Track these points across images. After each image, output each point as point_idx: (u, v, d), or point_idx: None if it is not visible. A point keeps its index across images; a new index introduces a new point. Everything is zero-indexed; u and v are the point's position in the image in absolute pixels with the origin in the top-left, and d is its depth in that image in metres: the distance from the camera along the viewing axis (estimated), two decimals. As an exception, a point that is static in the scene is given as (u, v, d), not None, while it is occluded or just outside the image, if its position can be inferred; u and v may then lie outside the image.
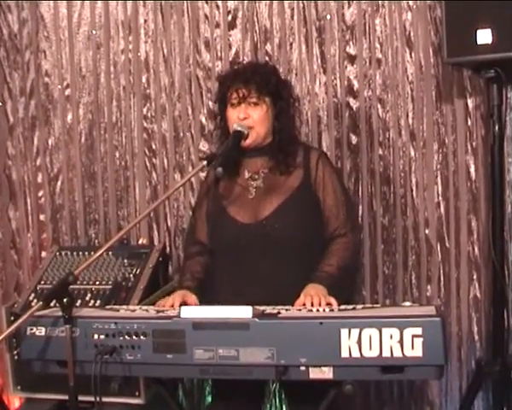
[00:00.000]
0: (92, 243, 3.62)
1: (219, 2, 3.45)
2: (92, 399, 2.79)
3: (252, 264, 2.68)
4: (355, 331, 2.18)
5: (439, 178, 3.30)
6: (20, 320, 2.37)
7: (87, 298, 3.12)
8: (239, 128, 2.71)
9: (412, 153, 3.32)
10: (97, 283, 3.20)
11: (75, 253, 3.40)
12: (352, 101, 3.37)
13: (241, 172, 2.80)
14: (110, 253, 3.31)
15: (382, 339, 2.16)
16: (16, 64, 3.65)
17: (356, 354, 2.17)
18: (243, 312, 2.26)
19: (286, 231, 2.69)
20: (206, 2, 3.46)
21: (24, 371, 3.12)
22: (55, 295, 2.34)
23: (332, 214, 2.76)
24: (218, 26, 3.47)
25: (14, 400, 3.48)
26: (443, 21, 2.84)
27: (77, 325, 2.34)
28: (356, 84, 3.35)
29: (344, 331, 2.18)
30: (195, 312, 2.34)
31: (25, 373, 3.13)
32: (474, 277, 3.26)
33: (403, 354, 2.14)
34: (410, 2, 3.25)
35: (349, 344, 2.18)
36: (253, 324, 2.23)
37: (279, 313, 2.33)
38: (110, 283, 3.20)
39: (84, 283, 3.20)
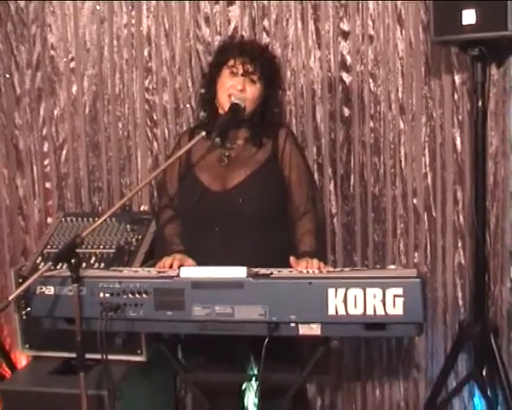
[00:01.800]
0: (96, 209, 3.75)
1: (219, -21, 3.55)
2: (97, 356, 3.02)
3: (219, 230, 2.83)
4: (341, 291, 2.35)
5: (426, 150, 3.42)
6: (31, 279, 2.54)
7: (91, 261, 3.27)
8: (237, 101, 2.86)
9: (402, 125, 3.44)
10: (101, 247, 3.35)
11: (80, 219, 3.54)
12: (344, 75, 3.48)
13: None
14: (113, 219, 3.45)
15: (366, 298, 2.33)
16: (23, 38, 3.73)
17: (342, 311, 2.35)
18: (238, 272, 2.43)
19: (250, 201, 2.84)
20: (206, -22, 3.56)
21: (32, 330, 3.26)
22: (63, 257, 2.50)
23: (296, 191, 2.94)
24: (217, 1, 3.55)
25: (22, 358, 3.66)
26: (430, 2, 2.97)
27: (84, 284, 2.51)
28: (349, 60, 3.47)
29: (331, 291, 2.35)
30: (194, 272, 2.52)
31: (33, 332, 3.27)
32: (459, 244, 3.41)
33: (385, 312, 2.31)
34: (401, -19, 3.36)
35: (335, 303, 2.35)
36: (247, 283, 2.41)
37: (272, 273, 2.49)
38: (113, 247, 3.34)
39: (89, 247, 3.34)
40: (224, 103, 2.90)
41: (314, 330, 2.41)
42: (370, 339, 3.54)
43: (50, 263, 2.51)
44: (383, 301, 2.31)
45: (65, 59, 3.73)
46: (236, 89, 2.86)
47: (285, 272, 2.56)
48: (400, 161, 3.47)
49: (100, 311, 2.48)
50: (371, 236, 3.56)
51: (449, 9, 2.90)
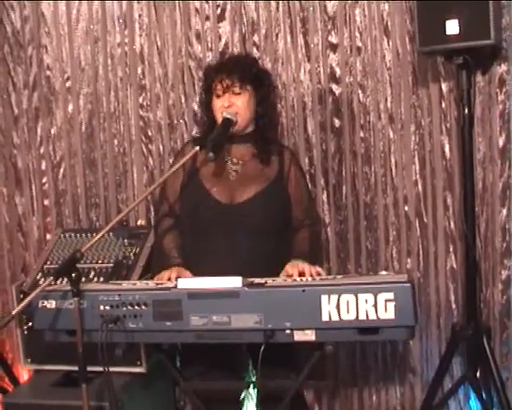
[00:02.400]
0: (94, 225, 3.82)
1: (209, -3, 3.64)
2: (97, 368, 3.09)
3: (227, 240, 2.92)
4: (334, 297, 2.42)
5: (416, 158, 3.50)
6: (33, 294, 2.60)
7: (91, 276, 3.33)
8: (228, 116, 2.95)
9: (391, 135, 3.52)
10: (100, 261, 3.41)
11: (78, 235, 3.60)
12: (334, 87, 3.56)
13: (224, 156, 3.02)
14: (111, 234, 3.52)
15: (358, 303, 2.40)
16: (20, 59, 3.82)
17: (335, 317, 2.41)
18: (234, 282, 2.50)
19: (261, 215, 2.95)
20: (197, -3, 3.66)
21: (33, 344, 3.31)
22: (64, 271, 2.57)
23: (298, 207, 3.09)
24: (208, 18, 3.64)
25: (24, 372, 3.72)
26: (415, 13, 3.05)
27: (84, 297, 2.58)
28: (338, 71, 3.55)
29: (324, 297, 2.42)
30: (191, 283, 2.58)
31: (34, 346, 3.33)
32: (451, 249, 3.47)
33: (377, 316, 2.38)
34: (387, -7, 3.45)
35: (329, 309, 2.42)
36: (242, 292, 2.48)
37: (266, 282, 2.56)
38: (112, 261, 3.40)
39: (88, 262, 3.40)
40: None
41: (309, 336, 2.48)
42: (366, 345, 3.62)
43: (51, 278, 2.58)
44: (375, 306, 2.38)
45: (61, 78, 3.81)
46: (224, 107, 2.96)
47: (279, 280, 2.63)
48: (391, 170, 3.55)
49: (100, 323, 2.55)
50: (364, 243, 3.63)
51: (433, 20, 2.99)
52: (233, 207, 2.96)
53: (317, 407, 3.79)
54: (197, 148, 2.87)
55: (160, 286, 2.67)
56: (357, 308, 2.40)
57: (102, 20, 3.73)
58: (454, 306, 3.50)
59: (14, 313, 2.58)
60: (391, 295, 2.37)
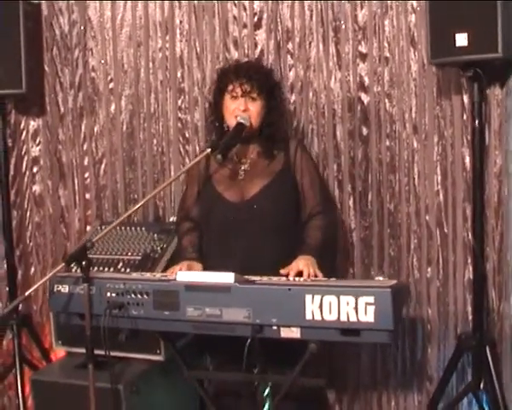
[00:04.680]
0: (132, 219, 3.98)
1: (246, 5, 3.76)
2: (119, 354, 3.29)
3: (238, 238, 3.07)
4: (317, 297, 2.52)
5: (438, 169, 3.52)
6: (45, 278, 2.85)
7: (119, 266, 3.55)
8: (242, 121, 3.11)
9: (415, 144, 3.56)
10: (129, 253, 3.61)
11: (117, 228, 3.74)
12: (363, 95, 3.64)
13: (232, 157, 3.19)
14: (143, 228, 3.75)
15: (340, 305, 2.49)
16: (67, 61, 4.04)
17: (318, 317, 2.52)
18: (227, 277, 2.65)
19: (269, 209, 3.10)
20: (235, 5, 3.78)
21: (64, 326, 3.49)
22: (75, 259, 2.76)
23: (309, 195, 3.18)
24: (245, 26, 3.78)
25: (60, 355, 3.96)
26: (427, 27, 3.11)
27: (93, 284, 2.78)
28: (367, 81, 3.63)
29: (308, 297, 2.53)
30: (188, 276, 2.75)
31: (64, 329, 3.54)
32: (469, 260, 3.45)
33: (357, 318, 2.47)
34: (414, 4, 3.47)
35: (312, 308, 2.52)
36: (233, 287, 2.62)
37: (256, 279, 2.70)
38: (140, 254, 3.59)
39: (118, 253, 3.62)
40: (232, 125, 3.14)
41: (294, 333, 2.59)
42: (386, 350, 3.68)
43: (63, 264, 2.80)
44: (356, 309, 2.47)
45: (104, 80, 4.01)
46: (240, 110, 3.10)
47: (271, 279, 2.75)
48: (414, 179, 3.59)
49: (104, 308, 2.76)
50: (387, 250, 3.68)
51: (444, 32, 3.03)
52: (243, 205, 3.12)
53: (337, 409, 3.88)
54: (208, 150, 3.02)
55: (161, 277, 2.85)
56: (338, 309, 2.49)
57: (145, 25, 3.92)
58: (471, 317, 3.48)
59: (26, 294, 2.82)
60: (371, 299, 2.46)
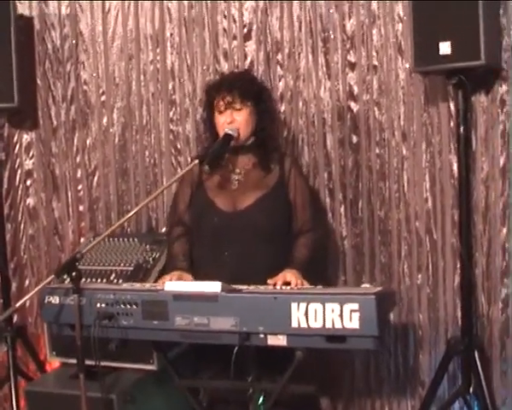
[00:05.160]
0: (125, 230, 4.04)
1: (236, 17, 3.80)
2: (112, 364, 3.32)
3: (230, 247, 3.10)
4: (303, 305, 2.55)
5: (427, 175, 3.55)
6: (36, 290, 2.90)
7: (111, 277, 3.56)
8: (230, 132, 3.14)
9: (404, 152, 3.59)
10: (122, 264, 3.63)
11: (110, 239, 3.79)
12: (352, 104, 3.67)
13: (227, 167, 3.22)
14: (136, 239, 3.77)
15: (325, 312, 2.52)
16: (59, 74, 4.10)
17: (304, 324, 2.54)
18: (214, 286, 2.67)
19: (262, 220, 3.12)
20: (225, 17, 3.82)
21: (58, 337, 3.47)
22: (65, 270, 2.79)
23: (300, 213, 3.22)
24: (235, 38, 3.83)
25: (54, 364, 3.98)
26: (411, 36, 3.15)
27: (83, 294, 2.80)
28: (356, 89, 3.66)
29: (294, 305, 2.55)
30: (176, 286, 2.77)
31: (58, 340, 3.54)
32: (458, 266, 3.46)
33: (342, 325, 2.49)
34: (401, 13, 3.50)
35: (298, 316, 2.55)
36: (221, 296, 2.64)
37: (243, 288, 2.73)
38: (132, 265, 3.61)
39: (111, 264, 3.64)
40: None
41: (281, 341, 2.61)
42: (379, 356, 3.71)
43: (53, 276, 2.83)
44: (341, 316, 2.49)
45: (96, 93, 4.06)
46: (227, 123, 3.14)
47: (258, 287, 2.77)
48: (403, 186, 3.61)
49: (93, 319, 2.79)
50: (378, 257, 3.70)
51: (427, 41, 3.07)
52: (235, 215, 3.15)
53: (332, 415, 3.90)
54: (196, 161, 3.06)
55: (149, 288, 2.88)
56: (324, 317, 2.52)
57: (136, 38, 3.97)
58: (460, 322, 3.51)
59: (17, 305, 2.86)
60: (356, 306, 2.48)
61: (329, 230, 3.70)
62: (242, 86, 3.17)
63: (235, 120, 3.14)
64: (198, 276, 3.13)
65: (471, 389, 3.21)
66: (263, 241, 3.12)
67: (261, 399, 2.93)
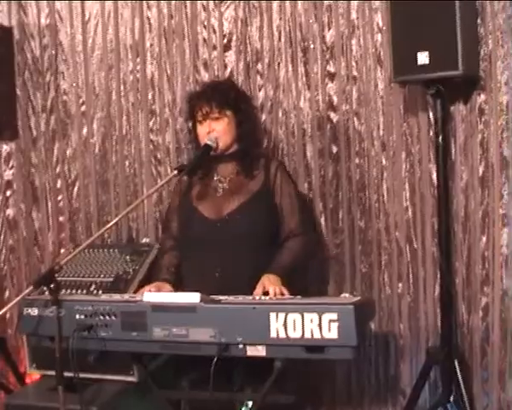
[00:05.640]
0: (105, 241, 4.03)
1: (216, 27, 3.82)
2: (93, 376, 3.29)
3: (215, 255, 3.09)
4: (281, 315, 2.53)
5: (406, 185, 3.57)
6: (14, 301, 2.88)
7: (91, 288, 3.55)
8: (209, 142, 3.14)
9: (384, 161, 3.61)
10: (102, 275, 3.62)
11: (90, 250, 3.78)
12: (332, 114, 3.69)
13: (212, 175, 3.23)
14: (116, 250, 3.76)
15: (304, 322, 2.50)
16: (38, 84, 4.10)
17: (282, 334, 2.52)
18: (192, 297, 2.65)
19: (244, 226, 3.11)
20: (205, 27, 3.84)
21: (38, 350, 3.48)
22: (43, 282, 2.76)
23: (287, 219, 3.19)
24: (214, 48, 3.84)
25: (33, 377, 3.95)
26: (389, 46, 3.17)
27: (62, 306, 2.76)
28: (335, 100, 3.67)
29: (272, 315, 2.53)
30: (155, 297, 2.76)
31: (38, 352, 3.51)
32: (438, 275, 3.47)
33: (321, 335, 2.47)
34: (380, 23, 3.52)
35: (277, 326, 2.53)
36: (199, 307, 2.62)
37: (222, 299, 2.71)
38: (112, 276, 3.60)
39: (91, 275, 3.63)
40: None
41: (260, 351, 2.60)
42: (360, 366, 3.71)
43: (31, 288, 2.81)
44: (320, 326, 2.48)
45: (76, 103, 4.05)
46: (206, 133, 3.15)
47: (236, 298, 2.76)
48: (383, 196, 3.63)
49: (72, 330, 2.76)
50: (358, 267, 3.71)
51: (406, 51, 3.09)
52: (219, 222, 3.14)
53: (313, 425, 3.90)
54: (175, 172, 3.05)
55: (128, 299, 2.87)
56: (302, 327, 2.50)
57: (116, 48, 3.98)
58: (441, 331, 3.52)
59: (-3, 316, 2.83)
60: (334, 316, 2.47)
61: (319, 235, 3.68)
62: (220, 96, 3.17)
63: (213, 130, 3.14)
64: (186, 285, 3.13)
65: (452, 398, 3.21)
66: (247, 247, 3.10)
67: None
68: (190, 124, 3.31)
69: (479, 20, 3.26)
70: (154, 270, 3.59)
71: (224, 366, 2.97)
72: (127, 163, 4.03)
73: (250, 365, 2.74)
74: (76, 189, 4.12)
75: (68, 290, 3.51)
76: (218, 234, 3.11)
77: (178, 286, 3.17)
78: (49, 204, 4.16)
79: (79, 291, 3.54)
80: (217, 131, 3.14)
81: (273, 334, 2.53)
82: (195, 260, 3.16)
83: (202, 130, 3.16)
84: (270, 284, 2.94)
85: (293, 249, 3.14)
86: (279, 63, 3.75)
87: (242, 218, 3.12)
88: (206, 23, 3.84)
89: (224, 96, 3.17)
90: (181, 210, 3.29)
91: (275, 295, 2.88)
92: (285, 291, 2.93)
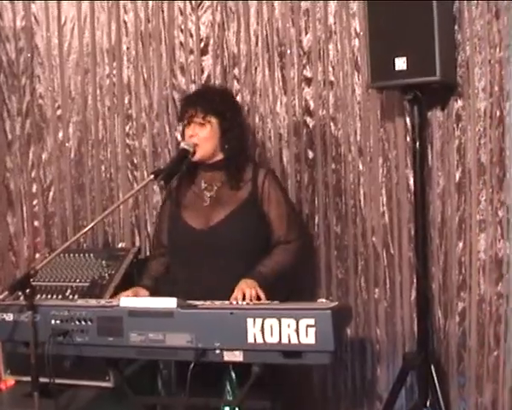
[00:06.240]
0: (81, 246, 3.99)
1: (193, 31, 3.81)
2: (68, 382, 3.26)
3: (201, 265, 3.08)
4: (259, 321, 2.52)
5: (383, 190, 3.58)
6: (-14, 307, 2.82)
7: (67, 293, 3.51)
8: (185, 146, 3.13)
9: (361, 167, 3.61)
10: (77, 280, 3.58)
11: (66, 254, 3.73)
12: (308, 119, 3.69)
13: (198, 183, 3.21)
14: (92, 254, 3.72)
15: (281, 328, 2.50)
16: (14, 88, 4.06)
17: (260, 340, 2.52)
18: (169, 303, 2.64)
19: (232, 236, 3.10)
20: (181, 31, 3.83)
21: (13, 355, 3.43)
22: (19, 286, 2.73)
23: (276, 225, 3.18)
24: (191, 52, 3.83)
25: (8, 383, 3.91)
26: (366, 51, 3.18)
27: (38, 311, 2.73)
28: (312, 105, 3.68)
29: (250, 320, 2.53)
30: (131, 302, 2.74)
31: (14, 358, 3.46)
32: (415, 280, 3.48)
33: (299, 341, 2.48)
34: (358, 28, 3.53)
35: (254, 332, 2.53)
36: (176, 312, 2.61)
37: (199, 304, 2.69)
38: (88, 281, 3.56)
39: (67, 280, 3.58)
40: None
41: (237, 356, 2.59)
42: (337, 370, 3.71)
43: (6, 293, 2.78)
44: (297, 331, 2.48)
45: (52, 107, 4.03)
46: (189, 136, 3.13)
47: (213, 303, 2.74)
48: (360, 201, 3.63)
49: (48, 336, 2.73)
50: (335, 272, 3.71)
51: (383, 57, 3.10)
52: (206, 232, 3.12)
53: (291, 431, 3.89)
54: (151, 176, 3.03)
55: (104, 303, 2.84)
56: (280, 332, 2.50)
57: (92, 52, 3.95)
58: (417, 336, 3.53)
59: (-31, 323, 2.78)
60: (312, 321, 2.47)
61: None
62: (206, 101, 3.15)
63: (196, 135, 3.12)
64: (174, 293, 3.05)
65: (428, 403, 3.22)
66: (234, 256, 3.09)
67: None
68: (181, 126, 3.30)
69: (456, 27, 3.29)
70: (130, 275, 3.58)
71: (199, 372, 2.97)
72: (103, 168, 4.01)
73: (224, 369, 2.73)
74: (51, 193, 4.08)
75: (44, 295, 3.47)
76: (206, 243, 3.10)
77: (156, 293, 3.15)
78: (24, 208, 4.13)
79: (55, 296, 3.50)
80: (198, 137, 3.11)
81: (250, 339, 2.53)
82: (185, 270, 3.14)
83: (188, 132, 3.15)
84: (246, 286, 2.94)
85: (277, 256, 3.14)
86: (256, 68, 3.75)
87: (230, 227, 3.11)
88: (183, 27, 3.83)
89: (209, 102, 3.15)
90: (169, 218, 3.28)
91: (250, 298, 2.88)
92: (261, 294, 2.93)
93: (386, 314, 3.61)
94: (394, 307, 3.60)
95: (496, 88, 3.25)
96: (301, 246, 3.28)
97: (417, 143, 3.17)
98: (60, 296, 3.51)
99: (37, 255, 4.02)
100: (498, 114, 3.25)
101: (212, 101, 3.17)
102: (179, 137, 3.75)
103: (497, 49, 3.24)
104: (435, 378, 3.15)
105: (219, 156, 3.19)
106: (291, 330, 2.49)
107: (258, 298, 2.93)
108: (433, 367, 3.17)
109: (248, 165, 3.24)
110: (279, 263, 3.13)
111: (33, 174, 4.10)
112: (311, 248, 3.64)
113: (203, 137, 3.13)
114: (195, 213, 3.17)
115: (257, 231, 3.16)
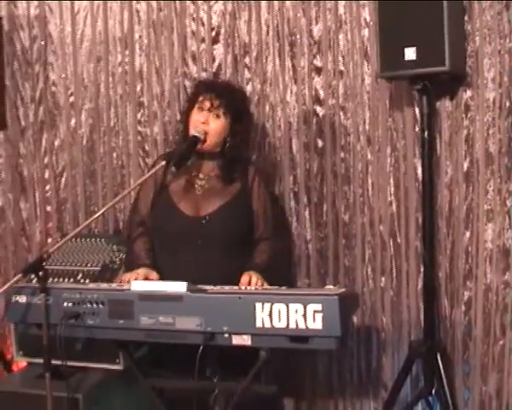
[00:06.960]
0: (92, 231, 4.04)
1: (204, 20, 3.85)
2: (79, 364, 3.31)
3: (190, 251, 3.11)
4: (267, 305, 2.57)
5: (391, 179, 3.60)
6: (3, 289, 2.87)
7: (78, 277, 3.59)
8: (196, 134, 3.15)
9: (369, 156, 3.64)
10: (89, 264, 3.66)
11: (77, 239, 3.81)
12: (318, 109, 3.72)
13: (191, 171, 3.23)
14: (103, 240, 3.79)
15: (289, 313, 2.54)
16: (27, 75, 4.12)
17: (268, 324, 2.56)
18: (179, 286, 2.68)
19: (223, 227, 3.15)
20: (193, 20, 3.86)
21: (25, 337, 3.52)
22: (32, 269, 2.80)
23: (260, 221, 3.26)
24: (203, 41, 3.87)
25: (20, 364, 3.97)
26: (377, 41, 3.21)
27: (50, 294, 2.79)
28: (322, 94, 3.71)
29: (258, 305, 2.57)
30: (142, 285, 2.78)
31: (25, 340, 3.56)
32: (421, 269, 3.51)
33: (306, 326, 2.52)
34: (368, 18, 3.55)
35: (262, 316, 2.57)
36: (186, 296, 2.66)
37: (208, 288, 2.74)
38: (99, 265, 3.64)
39: (78, 264, 3.66)
40: None
41: (245, 340, 2.64)
42: (343, 358, 3.76)
43: (20, 275, 2.83)
44: (304, 316, 2.52)
45: (65, 94, 4.08)
46: (200, 122, 3.15)
47: (223, 288, 2.79)
48: (368, 190, 3.66)
49: (60, 318, 2.79)
50: (342, 261, 3.75)
51: (393, 46, 3.13)
52: (198, 220, 3.16)
53: (294, 418, 3.94)
54: (163, 162, 3.07)
55: (116, 287, 2.90)
56: (287, 317, 2.54)
57: (105, 40, 4.00)
58: (423, 325, 3.56)
59: (-18, 305, 2.85)
60: (319, 307, 2.51)
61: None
62: (230, 99, 3.19)
63: (208, 124, 3.14)
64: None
65: (433, 391, 3.26)
66: (222, 247, 3.14)
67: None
68: (185, 105, 3.32)
69: (466, 17, 3.31)
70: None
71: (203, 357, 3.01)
72: (115, 155, 4.05)
73: (228, 355, 2.77)
74: (64, 179, 4.13)
75: (55, 279, 3.53)
76: (197, 232, 3.13)
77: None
78: (37, 194, 4.18)
79: (66, 280, 3.56)
80: (211, 127, 3.14)
81: (258, 324, 2.57)
82: (172, 255, 3.17)
83: (197, 117, 3.16)
84: (252, 274, 3.01)
85: (268, 252, 3.21)
86: (266, 57, 3.78)
87: (222, 219, 3.15)
88: (194, 16, 3.86)
89: (233, 100, 3.20)
90: (157, 203, 3.28)
91: (256, 283, 2.94)
92: (266, 285, 2.99)
93: (392, 303, 3.64)
94: (401, 295, 3.63)
95: (505, 78, 3.27)
96: (278, 245, 3.31)
97: (426, 133, 3.20)
98: (71, 280, 3.57)
99: (49, 240, 4.09)
100: (507, 104, 3.27)
101: (235, 100, 3.24)
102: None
103: (507, 40, 3.26)
104: (441, 367, 3.18)
105: (218, 148, 3.23)
106: (298, 315, 2.52)
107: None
108: (438, 356, 3.20)
109: (241, 159, 3.29)
110: (270, 258, 3.20)
111: (46, 161, 4.15)
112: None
113: (215, 129, 3.16)
114: (187, 201, 3.19)
115: (245, 223, 3.22)
